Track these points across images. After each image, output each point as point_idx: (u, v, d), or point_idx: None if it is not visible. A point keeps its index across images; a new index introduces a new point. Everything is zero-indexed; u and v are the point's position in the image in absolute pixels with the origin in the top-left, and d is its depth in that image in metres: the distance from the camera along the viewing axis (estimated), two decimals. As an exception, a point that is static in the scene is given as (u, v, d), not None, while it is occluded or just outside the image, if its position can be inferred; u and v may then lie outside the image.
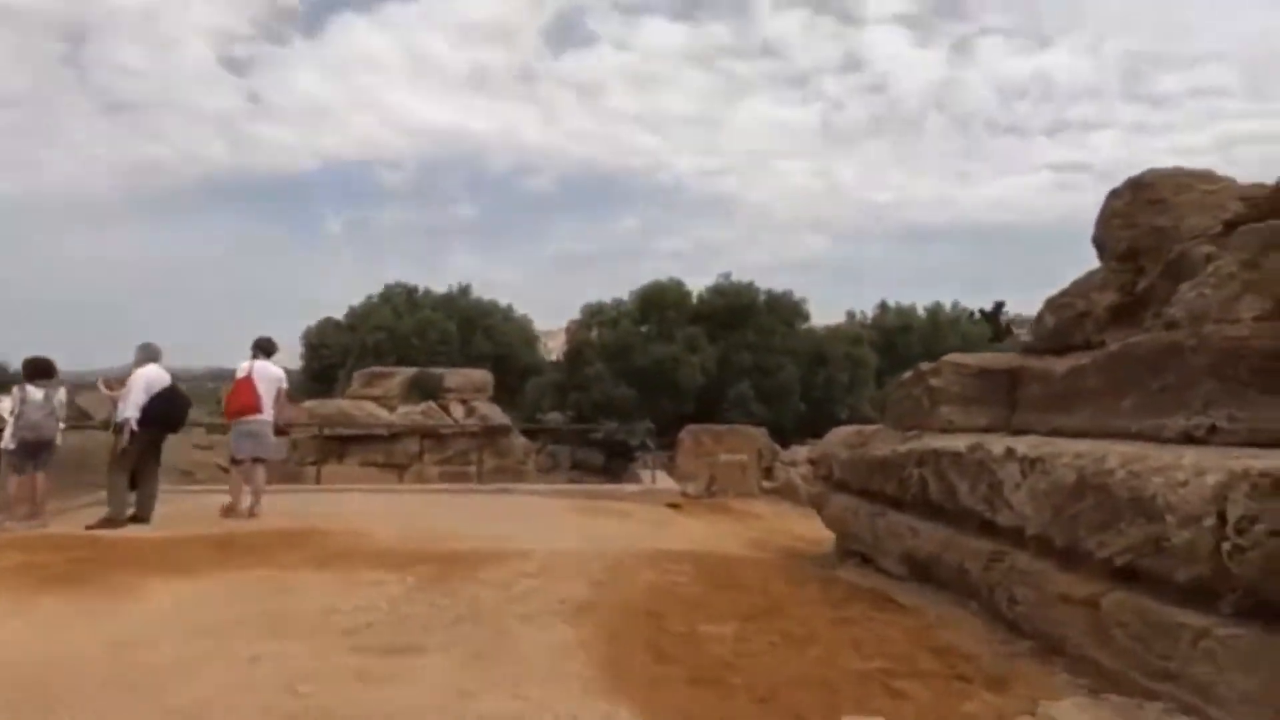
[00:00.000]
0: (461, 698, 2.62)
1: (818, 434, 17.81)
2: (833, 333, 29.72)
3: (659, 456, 12.97)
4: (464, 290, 31.20)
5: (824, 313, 31.76)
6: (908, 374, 5.49)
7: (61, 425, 6.80)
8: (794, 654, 3.14)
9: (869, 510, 5.11)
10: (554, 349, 31.33)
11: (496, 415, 14.87)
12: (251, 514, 6.98)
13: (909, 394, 5.31)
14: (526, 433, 16.12)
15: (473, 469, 11.19)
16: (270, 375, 7.26)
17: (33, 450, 6.39)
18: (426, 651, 3.17)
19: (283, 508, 7.57)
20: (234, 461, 7.28)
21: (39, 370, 6.57)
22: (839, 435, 6.32)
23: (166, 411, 6.74)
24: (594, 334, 26.66)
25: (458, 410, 14.34)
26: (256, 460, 7.17)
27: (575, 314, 27.81)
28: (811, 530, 7.83)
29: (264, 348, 7.33)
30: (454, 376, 15.10)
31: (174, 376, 7.08)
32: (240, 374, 7.17)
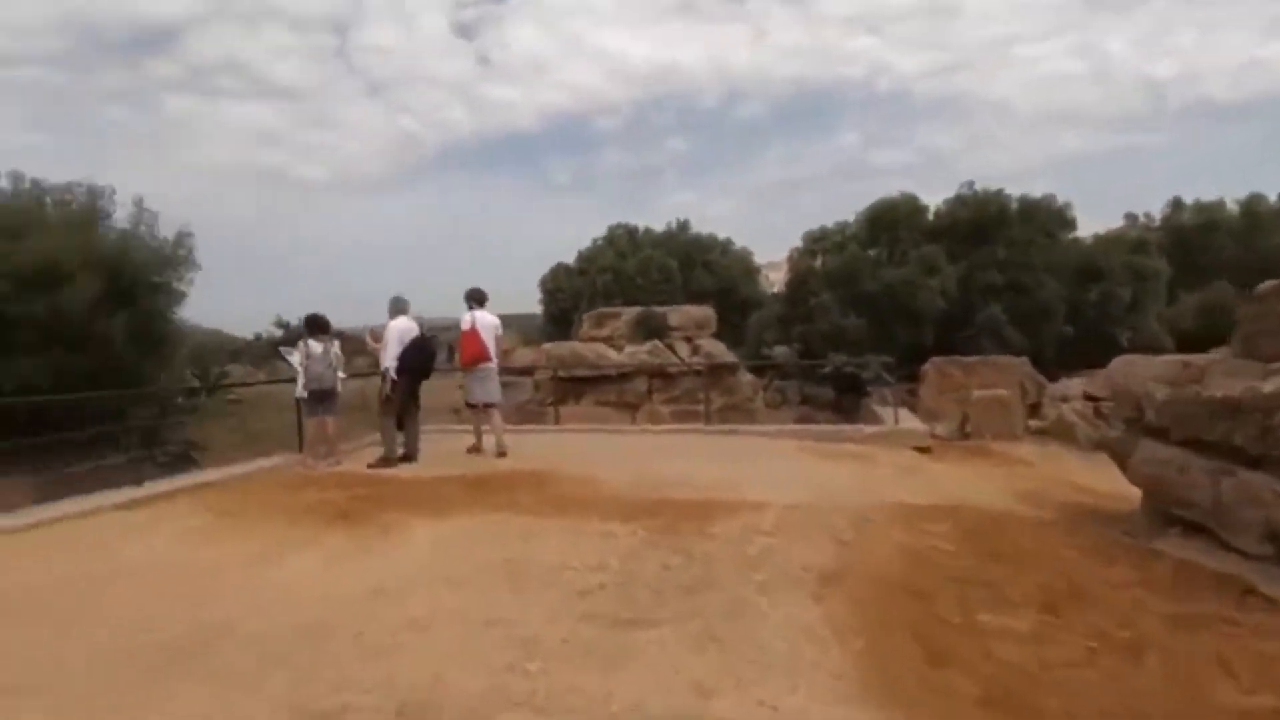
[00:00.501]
0: (697, 695, 2.27)
1: (1093, 363, 15.16)
2: (1107, 241, 25.10)
3: (897, 391, 11.82)
4: (682, 226, 31.26)
5: (1091, 220, 26.94)
6: (1266, 286, 4.08)
7: (341, 375, 7.64)
8: (1127, 670, 2.37)
9: (1205, 466, 3.93)
10: (775, 280, 30.32)
11: (721, 352, 14.58)
12: (500, 454, 7.44)
13: (1269, 312, 3.95)
14: (753, 369, 15.68)
15: (701, 408, 11.04)
16: (489, 323, 7.52)
17: (319, 398, 7.27)
18: (658, 625, 2.89)
19: (526, 449, 7.97)
20: (469, 405, 7.83)
21: (317, 326, 7.41)
22: (1149, 366, 4.98)
23: (418, 359, 7.30)
24: (818, 261, 25.19)
25: (683, 348, 14.27)
26: (489, 405, 7.62)
27: (794, 242, 26.46)
28: (1100, 481, 6.50)
29: (477, 298, 7.61)
30: (677, 314, 15.02)
31: (440, 326, 7.72)
32: (465, 326, 7.53)
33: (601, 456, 7.39)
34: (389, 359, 7.19)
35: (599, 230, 31.58)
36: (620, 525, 4.52)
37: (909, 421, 9.11)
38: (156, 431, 11.77)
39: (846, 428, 9.15)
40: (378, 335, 7.58)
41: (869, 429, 8.68)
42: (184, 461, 11.48)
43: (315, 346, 7.24)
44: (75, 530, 4.90)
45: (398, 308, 7.45)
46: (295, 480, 6.53)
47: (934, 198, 25.06)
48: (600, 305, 18.80)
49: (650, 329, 14.65)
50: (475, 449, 7.71)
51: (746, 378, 14.42)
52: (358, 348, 11.55)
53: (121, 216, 13.60)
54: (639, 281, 27.13)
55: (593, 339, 14.80)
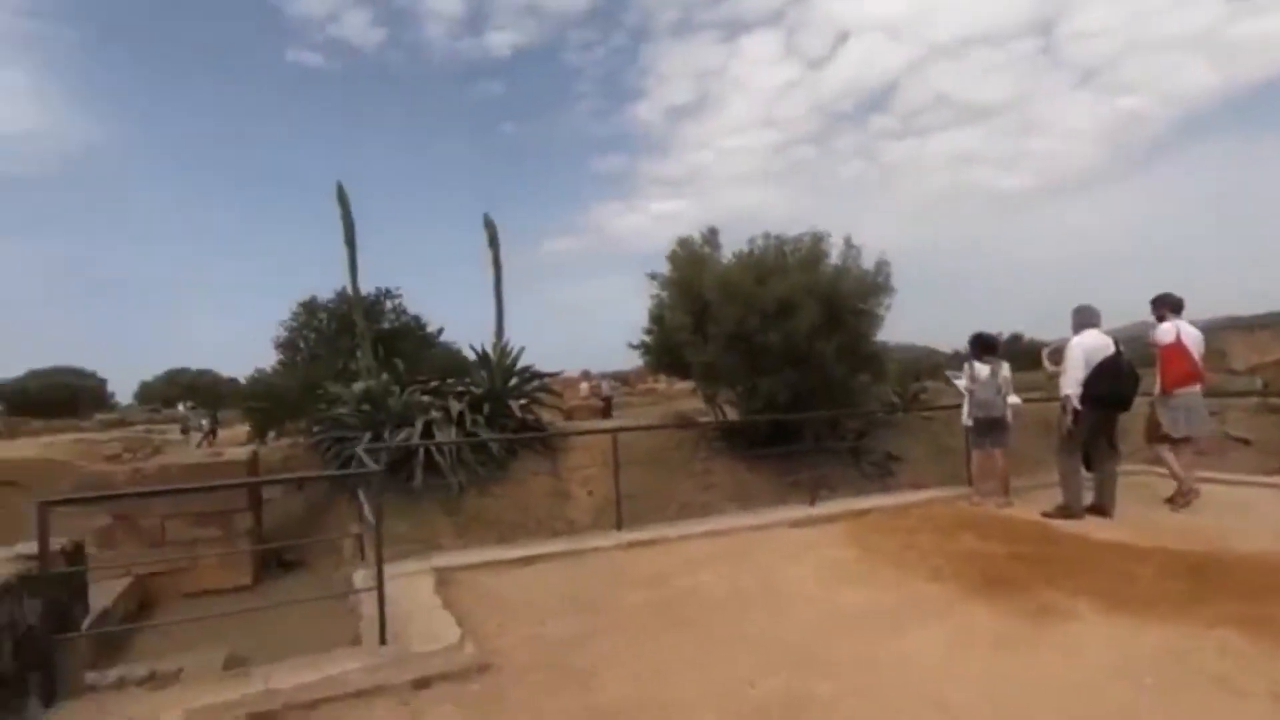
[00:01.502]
0: None
1: None
2: None
3: None
4: None
5: None
6: None
7: (1014, 400, 6.65)
8: None
9: None
10: None
11: None
12: (1185, 502, 6.01)
13: None
14: None
15: None
16: (1195, 336, 6.09)
17: (986, 427, 6.45)
18: None
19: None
20: (1168, 440, 6.15)
21: (983, 346, 6.61)
22: None
23: (1112, 386, 5.68)
24: None
25: None
26: (1187, 439, 6.11)
27: None
28: None
29: (1174, 306, 6.13)
30: None
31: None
32: (1166, 338, 6.02)
33: None
34: (1071, 384, 5.82)
35: None
36: None
37: None
38: (862, 443, 13.11)
39: None
40: (1057, 356, 6.28)
41: None
42: (883, 471, 12.40)
43: (982, 369, 6.47)
44: (753, 542, 5.50)
45: (1084, 319, 5.99)
46: (956, 518, 5.89)
47: None
48: None
49: None
50: (1179, 499, 6.07)
51: None
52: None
53: (834, 255, 15.76)
54: None
55: None
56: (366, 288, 14.91)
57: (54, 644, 2.75)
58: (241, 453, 10.93)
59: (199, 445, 18.62)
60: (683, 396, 22.14)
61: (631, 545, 5.33)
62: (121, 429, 22.39)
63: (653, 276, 15.82)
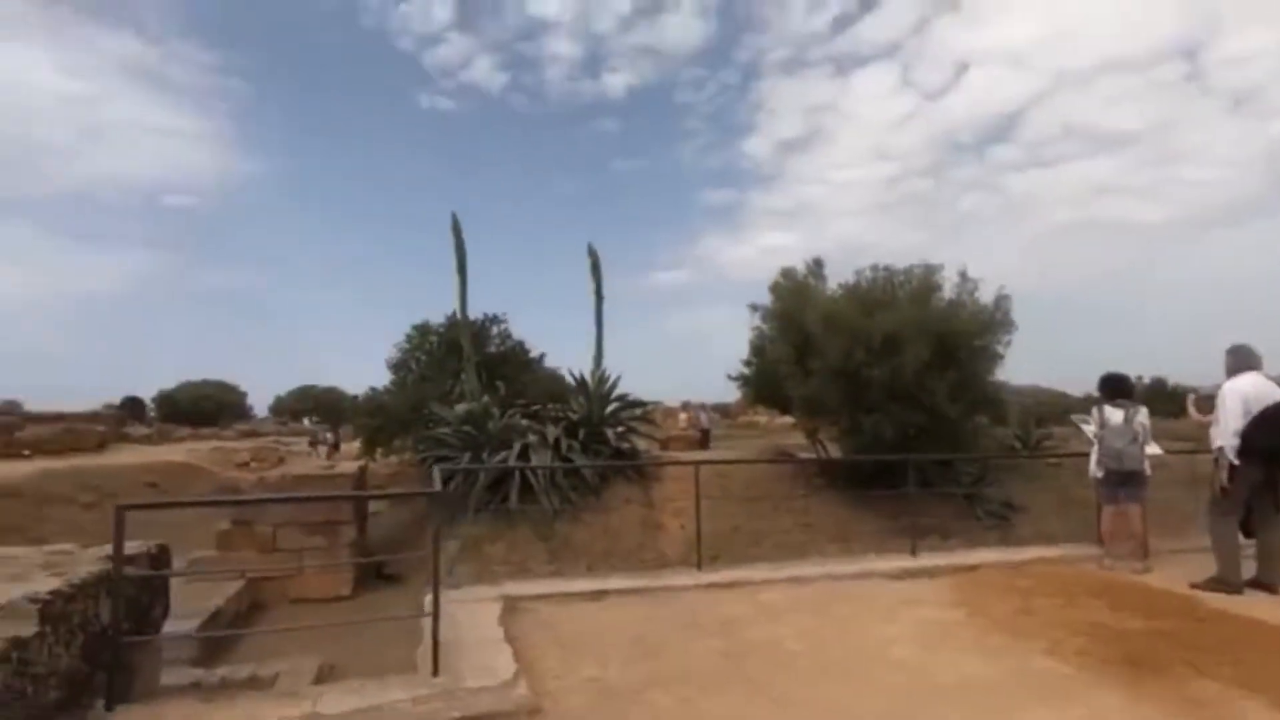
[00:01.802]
0: None
1: None
2: None
3: None
4: None
5: None
6: None
7: (1153, 450, 5.90)
8: None
9: None
10: None
11: None
12: None
13: None
14: None
15: None
16: None
17: (1119, 480, 5.72)
18: None
19: None
20: None
21: (1116, 389, 5.89)
22: None
23: (1274, 439, 4.87)
24: None
25: None
26: None
27: None
28: None
29: None
30: None
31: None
32: None
33: None
34: (1226, 435, 5.05)
35: None
36: None
37: None
38: (978, 489, 12.12)
39: None
40: (1206, 405, 5.49)
41: None
42: (1001, 521, 11.38)
43: (1113, 415, 5.77)
44: (843, 593, 5.07)
45: (1241, 361, 5.21)
46: (1082, 582, 5.22)
47: None
48: None
49: None
50: None
51: None
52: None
53: (948, 288, 14.88)
54: None
55: None
56: (475, 313, 15.45)
57: (124, 646, 2.83)
58: (351, 467, 11.47)
59: (326, 457, 19.84)
60: (783, 430, 21.47)
61: (711, 587, 5.04)
62: (252, 439, 24.26)
63: (754, 308, 15.37)
